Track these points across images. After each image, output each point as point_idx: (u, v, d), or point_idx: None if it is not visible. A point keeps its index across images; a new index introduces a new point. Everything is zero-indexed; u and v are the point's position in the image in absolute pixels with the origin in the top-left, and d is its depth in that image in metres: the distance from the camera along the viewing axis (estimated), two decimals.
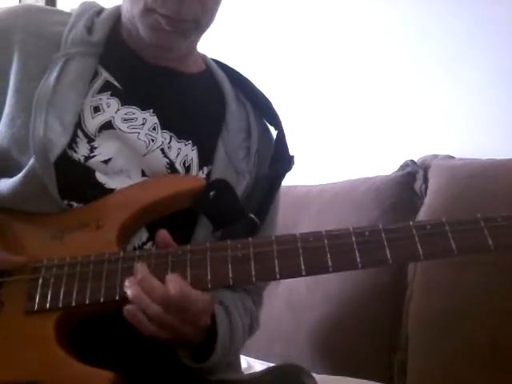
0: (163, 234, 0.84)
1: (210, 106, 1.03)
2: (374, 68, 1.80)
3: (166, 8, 0.91)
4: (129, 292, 0.78)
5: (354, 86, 1.84)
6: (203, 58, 1.10)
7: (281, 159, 1.05)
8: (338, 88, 1.87)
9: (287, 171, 1.06)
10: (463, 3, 1.60)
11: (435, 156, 1.53)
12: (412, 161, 1.55)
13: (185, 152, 0.96)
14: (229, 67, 1.11)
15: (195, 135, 0.98)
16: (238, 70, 1.11)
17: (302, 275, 0.78)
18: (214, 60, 1.12)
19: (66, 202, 0.88)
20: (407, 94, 1.71)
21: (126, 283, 0.78)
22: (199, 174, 0.97)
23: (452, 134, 1.61)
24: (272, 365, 1.05)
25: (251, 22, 2.11)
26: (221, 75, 1.08)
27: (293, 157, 1.06)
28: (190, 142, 0.97)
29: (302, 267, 0.77)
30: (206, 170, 0.97)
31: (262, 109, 1.08)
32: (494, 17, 1.54)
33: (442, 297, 1.31)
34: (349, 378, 1.34)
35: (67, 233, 0.86)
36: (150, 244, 0.90)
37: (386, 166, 1.61)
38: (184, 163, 0.96)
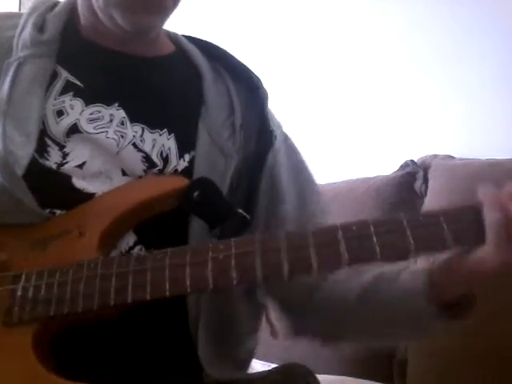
0: None
1: (184, 88, 0.96)
2: (374, 68, 1.80)
3: None
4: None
5: (354, 85, 1.84)
6: (174, 36, 1.03)
7: (263, 134, 0.97)
8: (338, 88, 1.87)
9: (268, 148, 0.96)
10: (464, 3, 1.60)
11: (435, 156, 1.53)
12: (412, 161, 1.55)
13: (160, 142, 0.89)
14: (203, 41, 1.04)
15: (170, 122, 0.91)
16: (213, 43, 1.04)
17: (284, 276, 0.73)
18: (186, 36, 1.04)
19: (47, 210, 0.84)
20: (407, 94, 1.71)
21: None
22: (180, 163, 0.90)
23: (452, 133, 1.61)
24: (273, 365, 1.04)
25: (253, 21, 2.12)
26: (194, 51, 1.00)
27: (272, 131, 0.97)
28: (165, 130, 0.90)
29: (286, 267, 0.72)
30: (187, 156, 0.90)
31: (242, 79, 1.00)
32: (494, 17, 1.54)
33: None
34: (349, 378, 1.34)
35: (50, 241, 0.82)
36: (137, 248, 0.85)
37: (386, 165, 1.62)
38: (161, 154, 0.89)
